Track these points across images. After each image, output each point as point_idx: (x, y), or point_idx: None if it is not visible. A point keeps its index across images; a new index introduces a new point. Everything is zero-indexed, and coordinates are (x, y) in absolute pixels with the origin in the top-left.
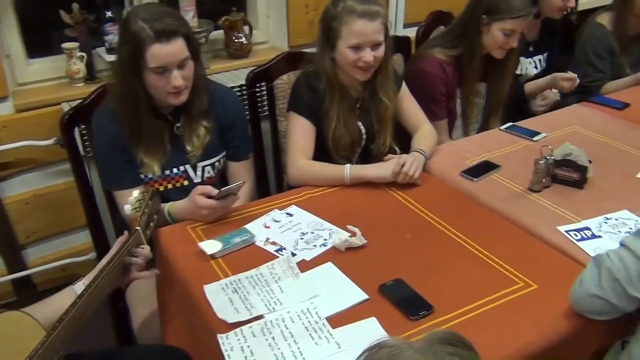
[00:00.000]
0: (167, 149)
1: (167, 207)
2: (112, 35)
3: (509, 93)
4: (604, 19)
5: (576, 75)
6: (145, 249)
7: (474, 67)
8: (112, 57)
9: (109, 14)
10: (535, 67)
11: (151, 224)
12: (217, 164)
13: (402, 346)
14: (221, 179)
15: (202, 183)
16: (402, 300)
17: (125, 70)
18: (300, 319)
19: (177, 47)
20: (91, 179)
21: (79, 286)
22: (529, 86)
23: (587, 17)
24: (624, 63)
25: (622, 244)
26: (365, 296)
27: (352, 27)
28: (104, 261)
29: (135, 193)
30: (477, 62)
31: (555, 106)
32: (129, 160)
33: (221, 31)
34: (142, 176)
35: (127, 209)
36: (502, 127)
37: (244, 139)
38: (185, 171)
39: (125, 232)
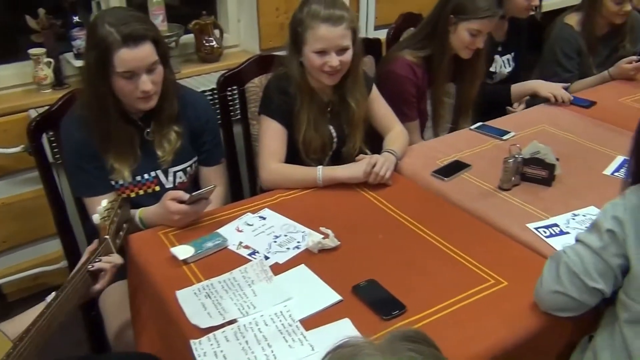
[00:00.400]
0: (138, 154)
1: (138, 213)
2: (80, 40)
3: (480, 93)
4: (572, 20)
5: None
6: (115, 257)
7: (443, 68)
8: (80, 63)
9: (76, 18)
10: (505, 67)
11: (121, 232)
12: (188, 169)
13: (363, 345)
14: (193, 184)
15: (174, 188)
16: (375, 301)
17: (92, 76)
18: (274, 322)
19: (145, 52)
20: (61, 186)
21: (51, 297)
22: (515, 88)
23: (555, 18)
24: (591, 63)
25: (577, 240)
26: (338, 297)
27: (316, 32)
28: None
29: (104, 202)
30: (446, 62)
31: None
32: (98, 166)
33: (191, 35)
34: (113, 182)
35: (96, 218)
36: (472, 127)
37: (216, 144)
38: (157, 177)
39: (95, 241)
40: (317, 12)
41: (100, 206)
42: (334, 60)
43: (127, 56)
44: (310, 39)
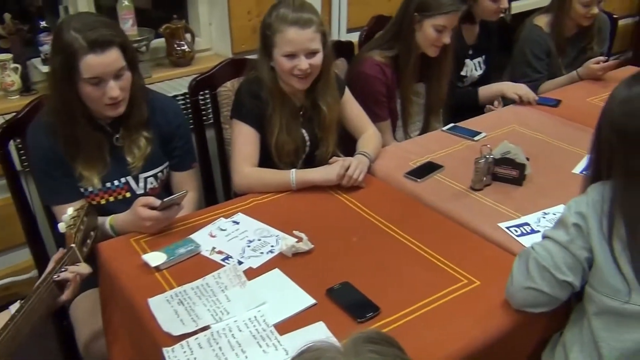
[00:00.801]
0: (107, 160)
1: (108, 220)
2: (48, 45)
3: (450, 95)
4: (541, 21)
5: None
6: (81, 267)
7: (411, 67)
8: (47, 68)
9: (43, 23)
10: (476, 69)
11: (88, 240)
12: (160, 174)
13: (326, 348)
14: (165, 189)
15: (145, 194)
16: (349, 303)
17: (58, 82)
18: (248, 328)
19: (112, 57)
20: (29, 194)
21: (15, 307)
22: (482, 91)
23: (524, 20)
24: (560, 64)
25: (544, 237)
26: (312, 301)
27: (285, 35)
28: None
29: (70, 210)
30: (414, 61)
31: None
32: (67, 173)
33: (162, 39)
34: (82, 189)
35: (62, 226)
36: (444, 128)
37: (187, 149)
38: (127, 183)
39: (60, 250)
40: (285, 16)
41: (66, 214)
42: (303, 63)
43: (94, 62)
44: (279, 42)
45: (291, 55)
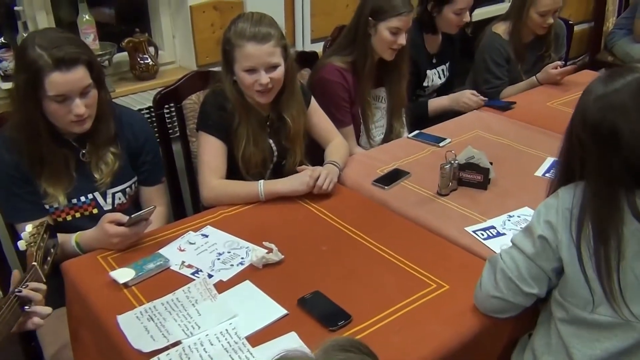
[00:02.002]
0: (73, 176)
1: (74, 237)
2: (6, 62)
3: (410, 106)
4: (500, 29)
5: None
6: (41, 286)
7: (368, 71)
8: (7, 85)
9: (1, 39)
10: (440, 77)
11: (48, 258)
12: (128, 189)
13: (298, 357)
14: (134, 204)
15: (113, 210)
16: (321, 312)
17: (22, 99)
18: (220, 341)
19: (78, 75)
20: None
21: None
22: (432, 104)
23: (485, 28)
24: (519, 69)
25: (512, 243)
26: (284, 311)
27: (243, 51)
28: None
29: (29, 227)
30: (371, 66)
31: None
32: (30, 190)
33: (125, 53)
34: (47, 206)
35: (21, 244)
36: (410, 135)
37: (156, 163)
38: (94, 199)
39: (15, 271)
40: (243, 31)
41: (25, 231)
42: (263, 78)
43: (60, 80)
44: (239, 57)
45: (251, 70)
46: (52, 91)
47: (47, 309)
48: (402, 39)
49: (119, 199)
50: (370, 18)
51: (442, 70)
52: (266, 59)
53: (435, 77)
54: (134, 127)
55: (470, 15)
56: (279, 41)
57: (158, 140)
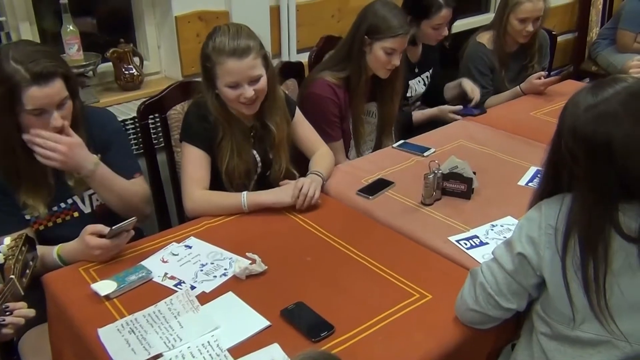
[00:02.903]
0: (52, 186)
1: (56, 250)
2: None
3: (397, 116)
4: (484, 38)
5: (461, 107)
6: (28, 311)
7: (362, 88)
8: None
9: None
10: (424, 85)
11: (27, 270)
12: None
13: None
14: None
15: (93, 212)
16: (304, 324)
17: None
18: (201, 354)
19: (55, 89)
20: None
21: None
22: (416, 115)
23: (468, 37)
24: (503, 79)
25: (493, 256)
26: (266, 323)
27: (224, 67)
28: None
29: (7, 240)
30: (364, 82)
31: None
32: (9, 203)
33: (110, 63)
34: (28, 217)
35: None
36: (395, 145)
37: (126, 156)
38: (74, 203)
39: None
40: (222, 47)
41: (3, 245)
42: (247, 92)
43: (38, 94)
44: (220, 73)
45: (234, 85)
46: (30, 105)
47: (30, 312)
48: (397, 60)
49: (97, 199)
50: (366, 36)
51: (426, 77)
52: (248, 73)
53: (418, 85)
54: (101, 123)
55: (450, 29)
56: (258, 52)
57: (142, 150)
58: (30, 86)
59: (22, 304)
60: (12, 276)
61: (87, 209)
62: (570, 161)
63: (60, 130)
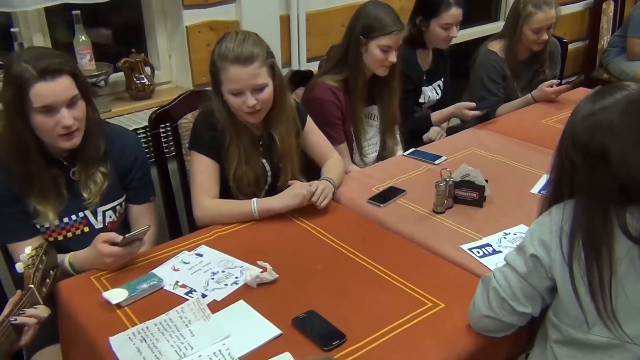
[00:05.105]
0: (64, 195)
1: (67, 257)
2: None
3: (403, 118)
4: (495, 46)
5: (475, 104)
6: (39, 311)
7: (360, 89)
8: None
9: None
10: (437, 93)
11: (47, 280)
12: (118, 207)
13: None
14: (124, 222)
15: (104, 228)
16: (315, 332)
17: (10, 115)
18: None
19: (63, 85)
20: None
21: None
22: (434, 116)
23: (479, 46)
24: (515, 87)
25: (505, 261)
26: (278, 331)
27: (227, 74)
28: None
29: (28, 249)
30: (363, 83)
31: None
32: (21, 210)
33: (121, 73)
34: (38, 226)
35: (19, 266)
36: (406, 153)
37: (145, 181)
38: (85, 217)
39: (18, 291)
40: (226, 53)
41: (24, 253)
42: (249, 100)
43: (44, 90)
44: (224, 80)
45: (237, 93)
46: (37, 102)
47: (42, 312)
48: (393, 57)
49: (110, 216)
50: (361, 36)
51: (439, 85)
52: (251, 81)
53: (432, 93)
54: (124, 145)
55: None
56: (264, 61)
57: (153, 159)
58: (37, 82)
59: (43, 307)
60: (31, 285)
61: (98, 224)
62: (570, 168)
63: (72, 131)
